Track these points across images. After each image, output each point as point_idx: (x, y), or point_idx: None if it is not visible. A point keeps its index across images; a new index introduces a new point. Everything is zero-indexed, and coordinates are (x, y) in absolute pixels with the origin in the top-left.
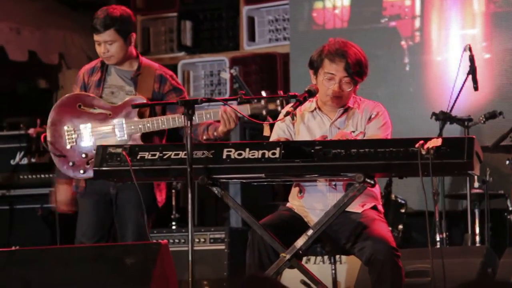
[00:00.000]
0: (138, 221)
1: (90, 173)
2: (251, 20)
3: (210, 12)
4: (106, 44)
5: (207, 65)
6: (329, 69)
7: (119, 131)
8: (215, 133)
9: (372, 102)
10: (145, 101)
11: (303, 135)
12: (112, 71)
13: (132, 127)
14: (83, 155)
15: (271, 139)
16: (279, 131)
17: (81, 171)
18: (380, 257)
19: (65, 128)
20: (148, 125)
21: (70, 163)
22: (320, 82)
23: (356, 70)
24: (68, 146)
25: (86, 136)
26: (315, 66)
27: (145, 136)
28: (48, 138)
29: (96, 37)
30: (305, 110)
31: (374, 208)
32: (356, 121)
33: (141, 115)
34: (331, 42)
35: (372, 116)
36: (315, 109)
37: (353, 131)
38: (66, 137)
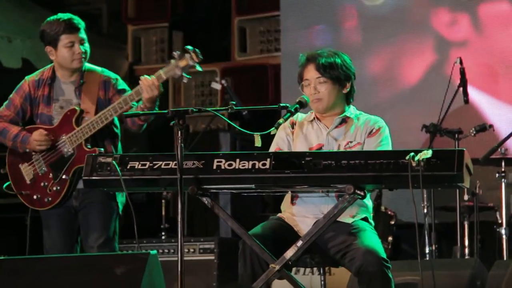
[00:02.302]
0: (102, 230)
1: (55, 199)
2: (242, 31)
3: (201, 22)
4: (82, 43)
5: (198, 76)
6: (304, 76)
7: (65, 147)
8: (141, 106)
9: (373, 117)
10: (78, 109)
11: (301, 144)
12: (61, 85)
13: (74, 139)
14: (42, 184)
15: (270, 149)
16: (278, 140)
17: (46, 199)
18: (370, 268)
19: (21, 167)
20: (86, 130)
21: (35, 197)
22: (304, 93)
23: (327, 69)
24: (28, 181)
25: (40, 166)
26: (298, 80)
27: (92, 141)
28: (12, 182)
29: (72, 37)
30: (304, 120)
31: (365, 219)
32: (355, 133)
33: (78, 123)
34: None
35: (374, 131)
36: (313, 118)
37: (351, 141)
38: (24, 174)
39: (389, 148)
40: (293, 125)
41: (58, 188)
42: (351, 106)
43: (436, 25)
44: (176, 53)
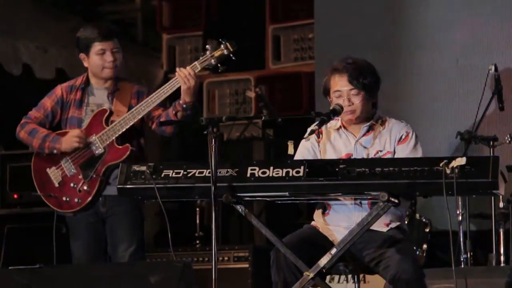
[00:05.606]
0: (131, 240)
1: (85, 199)
2: (276, 39)
3: (235, 31)
4: (113, 51)
5: (232, 84)
6: (335, 87)
7: (95, 147)
8: (180, 101)
9: (399, 122)
10: (107, 110)
11: (329, 153)
12: (93, 91)
13: (105, 137)
14: (72, 185)
15: (295, 159)
16: (304, 150)
17: (76, 200)
18: (405, 276)
19: (49, 171)
20: (117, 128)
21: (64, 199)
22: (334, 103)
23: (360, 80)
24: (56, 184)
25: (69, 167)
26: (325, 90)
27: (121, 140)
28: (36, 187)
29: (103, 45)
30: (331, 128)
31: (399, 227)
32: (384, 140)
33: (107, 123)
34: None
35: (403, 138)
36: (340, 127)
37: (380, 150)
38: (52, 177)
39: (420, 153)
40: (319, 134)
41: (89, 188)
42: (376, 112)
43: None
44: (210, 44)
